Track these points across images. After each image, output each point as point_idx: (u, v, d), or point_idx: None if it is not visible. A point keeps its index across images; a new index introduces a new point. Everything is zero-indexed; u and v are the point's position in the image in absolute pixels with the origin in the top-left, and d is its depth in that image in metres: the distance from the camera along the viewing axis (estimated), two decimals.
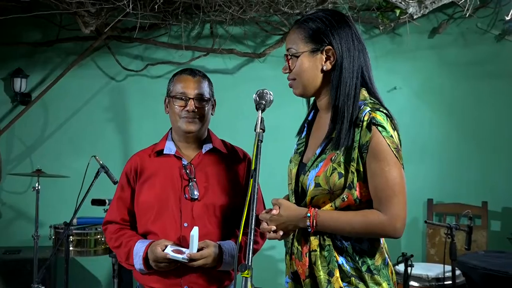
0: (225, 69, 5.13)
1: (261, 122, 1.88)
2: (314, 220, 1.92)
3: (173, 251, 2.22)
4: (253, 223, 1.57)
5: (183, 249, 2.23)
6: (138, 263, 2.32)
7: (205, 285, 2.33)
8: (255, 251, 2.37)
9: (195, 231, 2.19)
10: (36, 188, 4.09)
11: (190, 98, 2.35)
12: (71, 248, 4.08)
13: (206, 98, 2.39)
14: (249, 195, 1.69)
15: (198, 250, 2.23)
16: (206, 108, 2.40)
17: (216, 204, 2.35)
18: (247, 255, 1.50)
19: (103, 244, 4.23)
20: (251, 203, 1.63)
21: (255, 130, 1.85)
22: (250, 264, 1.46)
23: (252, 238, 1.53)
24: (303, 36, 1.96)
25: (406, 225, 1.89)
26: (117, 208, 2.47)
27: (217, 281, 2.35)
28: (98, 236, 4.21)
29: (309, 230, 1.93)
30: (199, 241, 2.25)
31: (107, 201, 4.07)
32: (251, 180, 1.68)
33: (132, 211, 2.44)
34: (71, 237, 4.05)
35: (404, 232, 1.91)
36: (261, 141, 1.82)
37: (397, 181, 1.86)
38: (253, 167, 1.72)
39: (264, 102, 1.98)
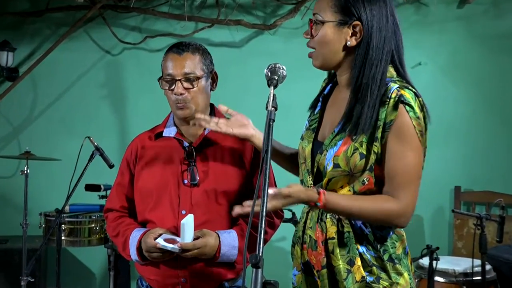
0: (231, 42, 5.12)
1: (273, 100, 1.87)
2: (325, 197, 1.92)
3: (165, 240, 2.25)
4: (265, 210, 1.57)
5: (177, 238, 2.26)
6: (133, 254, 2.36)
7: (205, 278, 2.35)
8: (265, 241, 2.39)
9: (187, 219, 2.21)
10: (25, 172, 4.11)
11: (177, 80, 2.33)
12: (63, 238, 4.12)
13: (197, 76, 2.36)
14: (259, 179, 1.69)
15: (195, 239, 2.25)
16: (199, 86, 2.36)
17: (218, 190, 2.36)
18: (258, 244, 1.51)
19: (98, 233, 4.27)
20: (263, 187, 1.63)
21: (266, 108, 1.84)
22: (261, 254, 1.47)
23: (263, 226, 1.53)
24: (333, 4, 1.96)
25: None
26: (117, 195, 2.50)
27: (219, 274, 2.37)
28: (93, 225, 4.24)
29: (318, 204, 1.92)
30: (197, 229, 2.27)
31: (102, 186, 4.10)
32: (262, 163, 1.68)
33: (131, 198, 2.47)
34: (63, 225, 4.09)
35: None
36: (273, 120, 1.81)
37: (416, 168, 1.88)
38: (264, 149, 1.71)
39: (276, 78, 1.97)
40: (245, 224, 2.38)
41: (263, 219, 1.53)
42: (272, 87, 1.94)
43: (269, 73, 1.99)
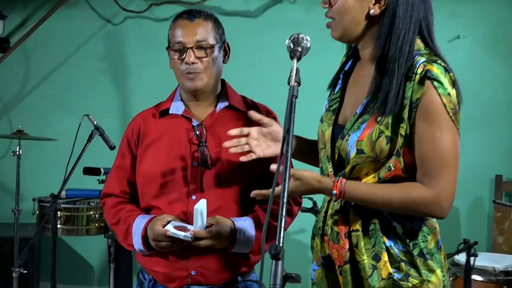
0: (246, 12, 5.12)
1: (296, 74, 1.87)
2: (341, 186, 1.95)
3: (175, 227, 2.26)
4: (286, 195, 1.59)
5: (188, 226, 2.28)
6: (137, 243, 2.37)
7: (216, 270, 2.37)
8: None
9: (200, 204, 2.22)
10: (17, 152, 4.15)
11: (188, 48, 2.34)
12: (59, 226, 4.16)
13: (209, 45, 2.37)
14: (280, 161, 1.70)
15: (207, 227, 2.27)
16: (212, 56, 2.39)
17: (232, 173, 2.38)
18: (278, 233, 1.52)
19: (97, 221, 4.31)
20: (284, 171, 1.64)
21: (288, 83, 1.85)
22: (281, 244, 1.49)
23: (284, 213, 1.55)
24: None
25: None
26: (116, 178, 2.51)
27: (232, 267, 2.40)
28: (91, 212, 4.29)
29: (334, 192, 1.95)
30: (209, 216, 2.29)
31: (102, 170, 4.13)
32: (283, 144, 1.69)
33: (133, 182, 2.48)
34: (59, 212, 4.13)
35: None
36: (296, 97, 1.82)
37: (449, 150, 1.88)
38: (286, 128, 1.72)
39: (299, 49, 1.97)
40: (261, 211, 2.40)
41: (284, 205, 1.55)
42: (295, 60, 1.93)
43: (291, 44, 1.99)
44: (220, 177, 2.37)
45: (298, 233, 4.73)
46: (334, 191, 1.96)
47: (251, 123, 2.43)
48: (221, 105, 2.48)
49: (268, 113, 2.51)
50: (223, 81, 2.54)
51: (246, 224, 2.35)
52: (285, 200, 1.55)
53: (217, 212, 2.33)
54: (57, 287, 3.79)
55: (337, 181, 1.96)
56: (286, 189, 1.57)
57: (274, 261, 1.48)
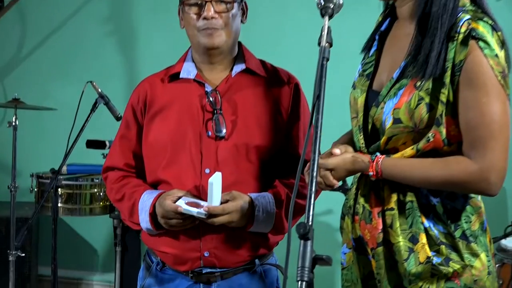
0: None
1: (327, 34, 1.86)
2: (378, 166, 1.96)
3: (187, 203, 2.28)
4: (316, 168, 1.59)
5: (201, 202, 2.29)
6: (144, 221, 2.39)
7: (232, 252, 2.39)
8: (302, 209, 2.41)
9: (215, 178, 2.23)
10: (13, 123, 4.16)
11: (206, 2, 2.36)
12: (59, 205, 4.20)
13: (229, 0, 2.40)
14: (309, 131, 1.71)
15: (222, 203, 2.29)
16: (232, 12, 2.40)
17: (250, 145, 2.39)
18: (307, 210, 1.53)
19: (102, 200, 4.35)
20: (315, 141, 1.64)
21: (319, 44, 1.84)
22: (310, 223, 1.50)
23: (313, 188, 1.56)
24: None
25: None
26: (120, 150, 2.53)
27: (249, 248, 2.42)
28: (95, 190, 4.33)
29: (370, 174, 1.98)
30: (224, 191, 2.31)
31: (107, 143, 4.16)
32: (314, 111, 1.69)
33: (139, 155, 2.50)
34: (59, 189, 4.14)
35: None
36: (327, 59, 1.81)
37: (498, 118, 1.87)
38: (316, 94, 1.71)
39: (331, 6, 1.95)
40: (282, 187, 2.41)
41: (314, 179, 1.56)
42: (327, 18, 1.91)
43: (322, 0, 1.98)
44: (237, 148, 2.38)
45: (325, 215, 4.74)
46: (371, 172, 1.97)
47: (271, 89, 2.45)
48: (237, 68, 2.48)
49: (289, 79, 2.51)
50: (239, 43, 2.54)
51: (265, 200, 2.36)
52: (314, 174, 1.56)
53: (233, 187, 2.34)
54: (58, 272, 3.81)
55: (373, 161, 1.97)
56: (316, 161, 1.58)
57: (302, 241, 1.48)
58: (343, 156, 2.02)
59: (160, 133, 2.43)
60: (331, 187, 2.03)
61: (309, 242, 1.47)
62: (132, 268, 4.51)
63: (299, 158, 2.37)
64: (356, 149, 2.10)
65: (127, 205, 2.46)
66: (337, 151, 2.04)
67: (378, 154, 1.99)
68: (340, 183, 3.97)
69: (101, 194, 4.31)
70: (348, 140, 2.20)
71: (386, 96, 1.99)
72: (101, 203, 4.36)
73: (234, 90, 2.45)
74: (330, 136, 2.29)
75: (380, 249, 2.01)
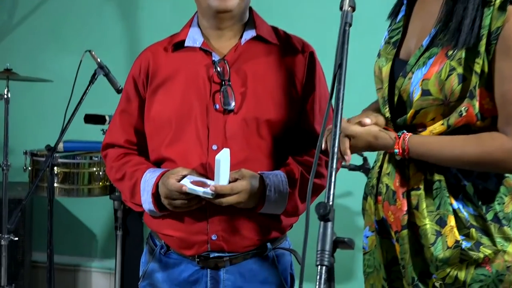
0: None
1: None
2: (404, 143, 1.96)
3: (192, 182, 2.29)
4: (337, 143, 1.59)
5: (208, 181, 2.31)
6: (146, 202, 2.42)
7: (242, 235, 2.41)
8: (318, 189, 2.46)
9: (223, 155, 2.25)
10: (4, 96, 4.18)
11: None
12: (55, 185, 4.22)
13: None
14: (329, 104, 1.71)
15: (231, 182, 2.31)
16: None
17: (261, 119, 2.39)
18: (327, 189, 1.54)
19: (101, 180, 4.36)
20: (336, 114, 1.64)
21: (341, 8, 1.84)
22: (331, 203, 1.51)
23: (334, 165, 1.57)
24: None
25: None
26: (121, 125, 2.55)
27: (260, 231, 2.44)
28: (94, 169, 4.34)
29: (396, 152, 1.98)
30: (232, 169, 2.32)
31: (107, 117, 4.17)
32: (335, 81, 1.69)
33: (141, 130, 2.52)
34: (55, 168, 4.15)
35: None
36: (350, 25, 1.81)
37: None
38: (337, 63, 1.71)
39: None
40: (296, 164, 2.42)
41: (335, 155, 1.56)
42: None
43: None
44: (247, 123, 2.39)
45: (344, 197, 4.74)
46: (396, 150, 1.97)
47: (284, 58, 2.45)
48: (247, 35, 2.48)
49: (304, 47, 2.51)
50: (250, 9, 2.54)
51: (277, 179, 2.38)
52: (335, 149, 1.56)
53: (242, 165, 2.36)
54: (54, 258, 3.83)
55: (399, 138, 1.97)
56: (337, 135, 1.58)
57: (322, 222, 1.49)
58: (369, 127, 2.02)
59: (164, 106, 2.44)
60: (343, 159, 2.03)
61: (329, 224, 1.47)
62: (134, 254, 4.52)
63: (314, 133, 2.41)
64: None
65: (128, 185, 2.47)
66: (367, 120, 2.04)
67: (404, 131, 1.99)
68: (361, 161, 4.03)
69: (101, 173, 4.31)
70: (377, 106, 2.20)
71: (414, 66, 1.99)
72: (100, 183, 4.37)
73: (243, 59, 2.45)
74: (351, 109, 2.29)
75: (405, 232, 2.02)
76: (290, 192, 2.38)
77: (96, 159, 4.32)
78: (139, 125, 2.52)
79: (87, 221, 5.24)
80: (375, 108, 2.20)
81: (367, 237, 2.17)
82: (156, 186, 2.37)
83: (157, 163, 2.49)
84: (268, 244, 2.46)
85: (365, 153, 4.05)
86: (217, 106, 2.39)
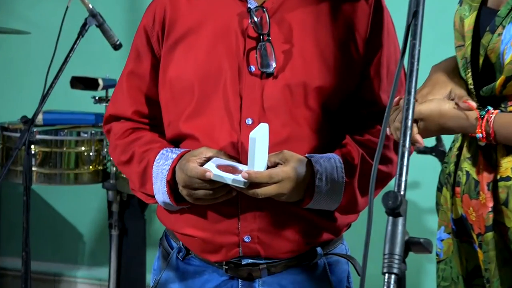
0: None
1: None
2: (489, 126, 1.96)
3: (219, 167, 2.28)
4: (412, 116, 1.59)
5: (239, 166, 2.30)
6: (160, 192, 2.40)
7: (283, 236, 2.39)
8: (385, 178, 2.46)
9: (259, 132, 2.20)
10: None
11: None
12: (34, 169, 4.24)
13: None
14: (400, 65, 1.71)
15: (269, 167, 2.31)
16: None
17: (309, 86, 2.37)
18: (397, 175, 1.53)
19: (91, 163, 4.41)
20: (409, 77, 1.65)
21: None
22: (402, 192, 1.50)
23: (407, 143, 1.56)
24: None
25: None
26: (128, 92, 2.54)
27: (307, 231, 2.43)
28: (83, 148, 4.38)
29: (478, 136, 1.98)
30: (272, 151, 2.31)
31: (100, 81, 4.19)
32: (408, 36, 1.69)
33: (154, 99, 2.52)
34: (33, 147, 4.19)
35: None
36: None
37: None
38: (411, 11, 1.71)
39: None
40: (355, 146, 2.40)
41: (408, 131, 1.56)
42: None
43: None
44: (291, 90, 2.37)
45: (409, 188, 4.76)
46: (479, 134, 1.97)
47: (341, 6, 2.43)
48: None
49: None
50: None
51: (331, 164, 2.35)
52: (409, 123, 1.55)
53: (285, 145, 2.34)
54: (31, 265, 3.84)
55: (482, 119, 1.97)
56: (411, 105, 1.57)
57: (391, 218, 1.48)
58: (440, 104, 2.02)
59: (184, 68, 2.44)
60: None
61: (400, 220, 1.44)
62: (134, 261, 4.58)
63: (379, 105, 2.39)
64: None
65: (137, 169, 2.47)
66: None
67: (489, 108, 1.99)
68: (433, 142, 4.02)
69: (91, 154, 4.35)
70: (454, 66, 2.21)
71: (506, 18, 2.00)
72: (90, 167, 4.41)
73: (288, 8, 2.44)
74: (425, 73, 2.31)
75: (490, 235, 2.03)
76: (347, 181, 2.35)
77: (86, 135, 4.36)
78: (152, 92, 2.52)
79: (72, 217, 5.30)
80: (450, 70, 2.19)
81: (441, 240, 2.18)
82: (173, 171, 2.36)
83: (175, 142, 2.49)
84: (318, 249, 2.45)
85: None
86: (253, 68, 2.38)
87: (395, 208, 1.44)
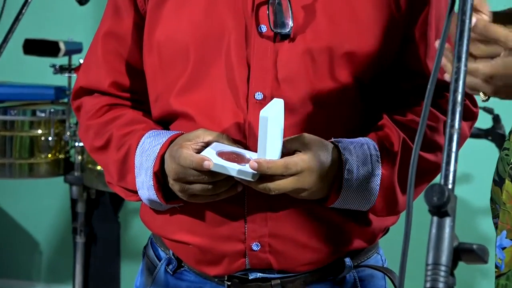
0: None
1: None
2: None
3: (220, 155, 2.25)
4: (463, 86, 1.59)
5: (246, 153, 2.28)
6: (145, 186, 2.37)
7: (301, 243, 2.37)
8: (431, 170, 2.40)
9: (272, 110, 2.14)
10: None
11: None
12: None
13: None
14: (447, 22, 1.72)
15: (284, 155, 2.31)
16: None
17: (336, 51, 2.31)
18: (444, 165, 1.50)
19: (51, 150, 4.43)
20: (460, 38, 1.66)
21: None
22: (450, 186, 1.49)
23: (456, 125, 1.56)
24: None
25: None
26: (104, 58, 2.51)
27: (333, 237, 2.41)
28: (40, 131, 4.41)
29: None
30: (288, 134, 2.28)
31: (61, 45, 4.21)
32: None
33: (137, 67, 2.50)
34: None
35: None
36: None
37: None
38: None
39: None
40: (394, 129, 2.38)
41: (458, 108, 1.54)
42: None
43: None
44: (313, 56, 2.34)
45: (458, 183, 4.78)
46: None
47: None
48: None
49: None
50: None
51: (363, 152, 2.32)
52: (459, 97, 1.52)
53: (305, 128, 2.34)
54: None
55: None
56: (461, 72, 1.56)
57: (436, 218, 1.46)
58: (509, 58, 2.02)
59: (176, 27, 2.42)
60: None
61: (448, 221, 1.40)
62: (106, 276, 4.60)
63: (426, 76, 2.35)
64: None
65: (114, 157, 2.44)
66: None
67: None
68: (489, 122, 4.04)
69: (50, 138, 4.36)
70: None
71: None
72: (49, 156, 4.43)
73: None
74: None
75: None
76: (385, 174, 2.32)
77: (43, 115, 4.38)
78: (135, 58, 2.50)
79: (26, 220, 5.33)
80: None
81: (503, 248, 2.18)
82: (161, 160, 2.33)
83: (164, 122, 2.48)
84: (347, 260, 2.42)
85: (496, 108, 4.06)
86: (264, 28, 2.35)
87: (441, 205, 1.39)
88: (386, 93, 2.41)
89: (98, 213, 4.37)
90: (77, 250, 4.40)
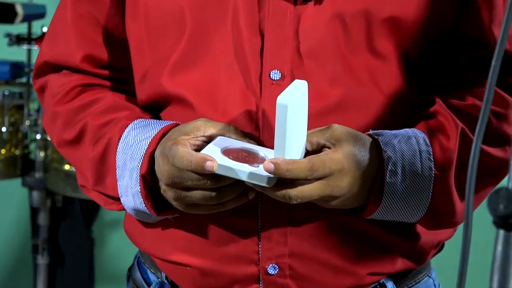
0: None
1: None
2: None
3: (226, 153, 2.26)
4: None
5: (260, 150, 2.28)
6: (130, 192, 2.34)
7: (330, 264, 2.37)
8: (502, 169, 2.34)
9: (293, 94, 2.11)
10: None
11: None
12: None
13: None
14: None
15: (309, 152, 2.28)
16: None
17: (375, 17, 2.29)
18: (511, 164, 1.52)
19: (4, 144, 4.44)
20: None
21: None
22: None
23: None
24: None
25: None
26: (75, 27, 2.55)
27: (371, 256, 2.41)
28: None
29: None
30: (313, 126, 2.28)
31: (19, 9, 4.25)
32: None
33: (118, 37, 2.52)
34: None
35: None
36: None
37: None
38: None
39: None
40: (450, 117, 2.33)
41: None
42: None
43: None
44: (345, 23, 2.32)
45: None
46: None
47: None
48: None
49: None
50: None
51: (410, 147, 2.31)
52: None
53: (336, 116, 2.31)
54: None
55: None
56: None
57: (502, 232, 1.48)
58: None
59: None
60: None
61: None
62: None
63: (492, 48, 2.33)
64: None
65: (90, 154, 2.45)
66: None
67: None
68: None
69: (4, 129, 4.39)
70: None
71: None
72: (2, 152, 4.49)
73: None
74: None
75: None
76: (438, 175, 2.30)
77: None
78: (115, 25, 2.51)
79: None
80: None
81: None
82: (151, 158, 2.34)
83: (153, 108, 2.49)
84: (389, 285, 2.45)
85: None
86: None
87: (509, 215, 1.41)
88: (439, 70, 2.38)
89: (65, 227, 4.38)
90: (39, 273, 4.42)
